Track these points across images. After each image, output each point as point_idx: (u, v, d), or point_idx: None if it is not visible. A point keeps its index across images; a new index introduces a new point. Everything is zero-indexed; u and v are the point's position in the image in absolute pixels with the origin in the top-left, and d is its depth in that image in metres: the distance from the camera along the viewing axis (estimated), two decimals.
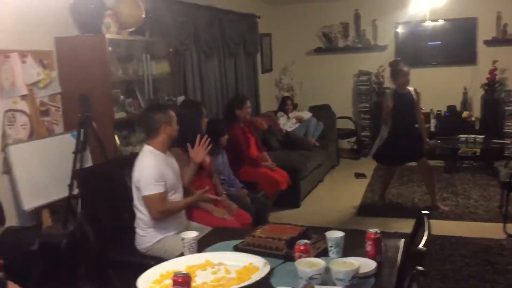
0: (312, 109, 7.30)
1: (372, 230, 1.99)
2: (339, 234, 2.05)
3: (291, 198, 5.21)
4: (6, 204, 2.89)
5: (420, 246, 1.60)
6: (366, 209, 5.09)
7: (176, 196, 2.87)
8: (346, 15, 7.52)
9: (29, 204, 3.07)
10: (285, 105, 6.84)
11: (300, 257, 1.89)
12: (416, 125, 4.83)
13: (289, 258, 2.01)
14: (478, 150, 6.51)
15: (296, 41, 7.81)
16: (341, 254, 2.04)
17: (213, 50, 5.53)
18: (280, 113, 6.80)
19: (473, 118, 6.77)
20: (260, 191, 4.40)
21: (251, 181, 4.50)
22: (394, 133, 4.77)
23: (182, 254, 2.15)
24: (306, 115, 6.85)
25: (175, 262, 2.01)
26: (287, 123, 6.69)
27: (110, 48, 3.46)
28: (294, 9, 7.72)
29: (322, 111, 7.21)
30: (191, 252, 2.12)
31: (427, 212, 1.91)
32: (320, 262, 1.81)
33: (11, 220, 3.03)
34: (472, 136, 6.44)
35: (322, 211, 5.17)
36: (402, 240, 2.22)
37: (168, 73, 4.32)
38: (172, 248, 2.64)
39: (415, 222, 2.00)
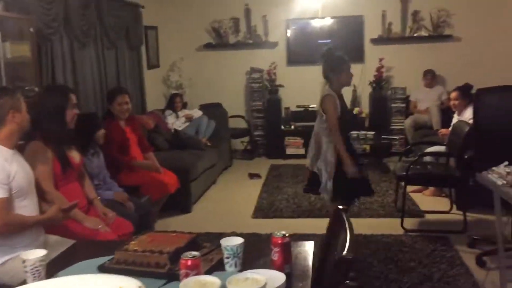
0: (203, 107, 6.87)
1: (279, 234, 1.59)
2: (237, 241, 1.62)
3: (181, 202, 4.71)
4: None
5: (345, 252, 1.22)
6: (262, 211, 4.75)
7: (26, 204, 2.24)
8: (237, 10, 7.20)
9: None
10: (174, 102, 6.32)
11: (186, 275, 1.42)
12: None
13: (174, 276, 1.53)
14: (368, 147, 6.56)
15: (184, 36, 7.32)
16: (241, 266, 1.61)
17: (89, 38, 4.83)
18: (168, 112, 6.26)
19: (363, 115, 6.79)
20: (144, 196, 3.83)
21: (134, 184, 3.93)
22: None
23: (24, 282, 1.57)
24: (197, 113, 6.40)
25: None
26: (176, 122, 6.17)
27: None
28: (181, 1, 7.24)
29: (213, 110, 6.82)
30: (36, 279, 1.55)
31: (345, 207, 1.55)
32: (213, 281, 1.35)
33: None
34: (363, 132, 6.46)
35: (215, 215, 4.74)
36: (311, 243, 1.85)
37: (29, 59, 3.59)
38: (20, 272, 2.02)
39: (330, 220, 1.64)
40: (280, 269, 1.54)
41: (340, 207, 1.56)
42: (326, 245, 1.58)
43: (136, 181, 3.99)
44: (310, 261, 1.66)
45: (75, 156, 2.96)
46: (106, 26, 5.15)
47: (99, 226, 2.79)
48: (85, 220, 2.80)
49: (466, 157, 3.79)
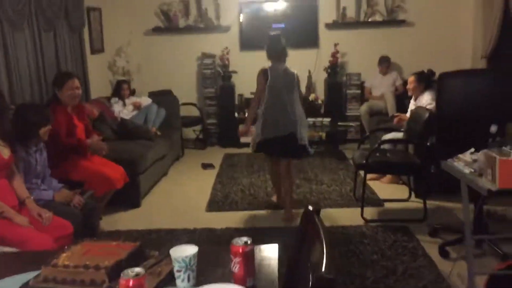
0: (152, 95, 6.50)
1: (240, 241, 1.34)
2: (190, 250, 1.36)
3: (129, 196, 4.37)
4: None
5: (324, 269, 0.99)
6: (216, 203, 4.50)
7: None
8: None
9: None
10: (120, 89, 5.93)
11: None
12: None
13: None
14: (324, 134, 6.43)
15: (131, 19, 6.89)
16: (195, 280, 1.36)
17: (22, 18, 4.38)
18: (114, 99, 5.86)
19: (319, 101, 6.64)
20: (88, 192, 3.49)
21: (77, 179, 3.58)
22: None
23: None
24: (145, 101, 6.03)
25: None
26: (123, 110, 5.79)
27: None
28: None
29: (163, 97, 6.45)
30: None
31: (317, 207, 1.33)
32: None
33: None
34: (320, 119, 6.32)
35: (167, 209, 4.45)
36: (275, 246, 1.62)
37: None
38: None
39: (300, 222, 1.41)
40: (242, 282, 1.31)
41: (310, 208, 1.33)
42: (295, 254, 1.35)
43: (79, 175, 3.64)
44: (275, 270, 1.43)
45: (3, 151, 2.60)
46: (43, 4, 4.70)
47: (29, 224, 2.47)
48: (16, 217, 2.48)
49: (428, 144, 3.68)
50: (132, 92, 6.33)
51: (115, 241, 1.52)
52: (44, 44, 4.84)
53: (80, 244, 1.50)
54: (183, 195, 4.84)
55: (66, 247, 1.48)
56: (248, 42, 6.88)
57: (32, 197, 2.75)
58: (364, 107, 6.50)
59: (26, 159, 2.91)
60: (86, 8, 5.97)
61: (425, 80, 4.87)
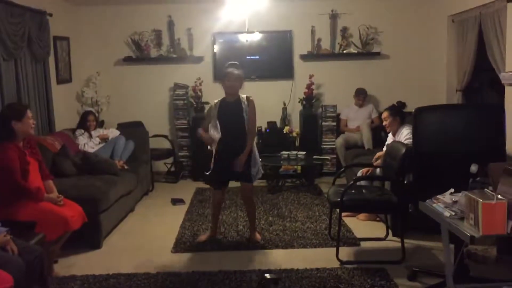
0: (122, 126, 6.26)
1: None
2: None
3: (89, 236, 4.07)
4: None
5: None
6: (183, 244, 4.21)
7: None
8: (159, 22, 6.70)
9: None
10: (86, 121, 5.65)
11: None
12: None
13: None
14: (299, 167, 6.24)
15: (101, 49, 6.70)
16: None
17: None
18: (79, 131, 5.58)
19: (294, 134, 6.47)
20: (38, 235, 3.18)
21: (27, 220, 3.28)
22: (219, 147, 4.09)
23: None
24: (113, 133, 5.77)
25: None
26: (88, 143, 5.51)
27: None
28: (97, 11, 6.64)
29: (133, 129, 6.22)
30: None
31: (275, 277, 1.09)
32: None
33: None
34: (294, 152, 6.13)
35: (130, 250, 4.13)
36: None
37: None
38: None
39: None
40: None
41: (268, 276, 1.10)
42: None
43: (29, 215, 3.34)
44: None
45: None
46: (2, 33, 4.45)
47: None
48: None
49: (405, 182, 3.49)
50: (100, 124, 6.08)
51: None
52: (3, 73, 4.59)
53: None
54: (149, 234, 4.54)
55: None
56: (221, 73, 6.61)
57: None
58: (339, 140, 6.36)
59: None
60: (52, 37, 5.75)
61: (399, 112, 4.74)
